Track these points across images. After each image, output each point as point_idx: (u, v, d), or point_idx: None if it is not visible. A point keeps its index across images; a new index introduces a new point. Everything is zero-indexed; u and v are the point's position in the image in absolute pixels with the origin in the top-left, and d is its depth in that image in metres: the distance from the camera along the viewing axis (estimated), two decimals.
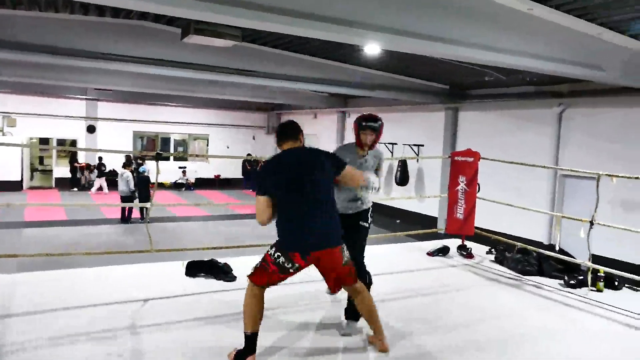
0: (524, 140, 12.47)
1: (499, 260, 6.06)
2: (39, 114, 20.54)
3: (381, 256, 6.19)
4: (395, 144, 16.89)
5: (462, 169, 6.52)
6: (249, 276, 3.28)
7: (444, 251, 6.31)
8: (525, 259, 5.78)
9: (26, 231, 12.74)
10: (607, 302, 4.71)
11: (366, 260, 3.95)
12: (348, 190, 3.78)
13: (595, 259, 5.11)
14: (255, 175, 3.18)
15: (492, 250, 6.46)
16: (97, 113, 22.11)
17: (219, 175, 24.85)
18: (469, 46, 6.42)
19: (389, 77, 13.06)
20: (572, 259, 5.38)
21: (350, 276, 3.33)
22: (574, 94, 11.30)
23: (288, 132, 3.37)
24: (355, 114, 19.51)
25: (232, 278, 4.96)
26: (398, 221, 15.86)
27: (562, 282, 5.29)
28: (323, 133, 21.69)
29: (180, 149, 25.75)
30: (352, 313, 3.79)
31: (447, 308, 4.47)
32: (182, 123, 24.13)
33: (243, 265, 5.44)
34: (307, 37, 9.40)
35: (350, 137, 19.99)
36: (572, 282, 5.21)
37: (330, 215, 3.30)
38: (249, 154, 24.65)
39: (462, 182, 6.47)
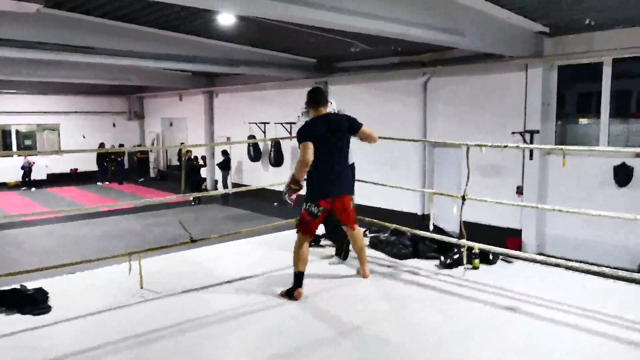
0: (392, 111, 12.35)
1: (373, 245, 5.55)
2: None
3: (244, 254, 5.42)
4: (268, 123, 16.11)
5: None
6: (297, 229, 4.25)
7: (315, 241, 5.65)
8: (400, 240, 5.34)
9: None
10: (486, 281, 4.39)
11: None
12: None
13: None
14: (298, 132, 3.41)
15: (366, 232, 5.96)
16: None
17: (75, 169, 22.18)
18: (327, 9, 5.78)
19: (252, 52, 12.12)
20: (447, 237, 5.03)
21: (354, 219, 4.43)
22: (436, 63, 11.33)
23: (320, 100, 4.31)
24: (223, 93, 18.37)
25: (45, 309, 3.80)
26: (275, 204, 15.20)
27: (438, 263, 4.92)
28: (191, 115, 20.21)
29: (28, 142, 22.61)
30: (341, 254, 4.99)
31: (321, 313, 3.82)
32: (25, 112, 21.06)
33: (67, 287, 4.34)
34: (149, 6, 8.18)
35: (219, 118, 18.84)
36: (448, 261, 4.86)
37: (346, 168, 4.37)
38: (112, 145, 22.40)
39: None
